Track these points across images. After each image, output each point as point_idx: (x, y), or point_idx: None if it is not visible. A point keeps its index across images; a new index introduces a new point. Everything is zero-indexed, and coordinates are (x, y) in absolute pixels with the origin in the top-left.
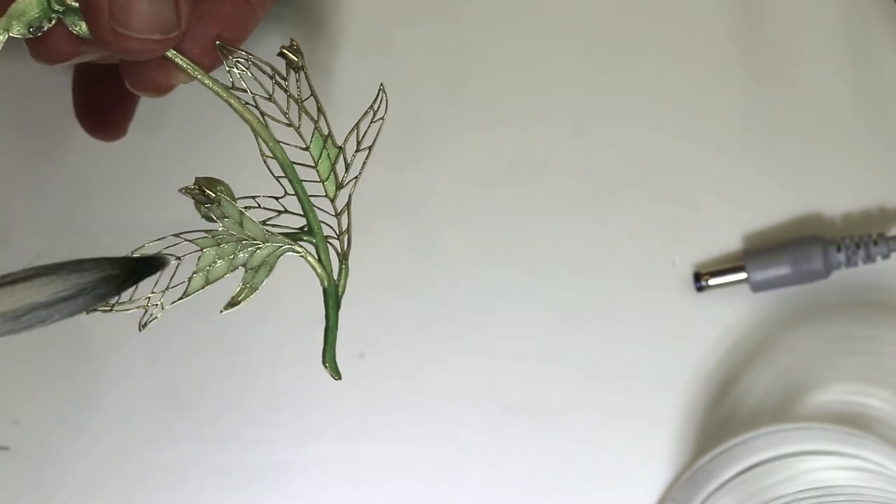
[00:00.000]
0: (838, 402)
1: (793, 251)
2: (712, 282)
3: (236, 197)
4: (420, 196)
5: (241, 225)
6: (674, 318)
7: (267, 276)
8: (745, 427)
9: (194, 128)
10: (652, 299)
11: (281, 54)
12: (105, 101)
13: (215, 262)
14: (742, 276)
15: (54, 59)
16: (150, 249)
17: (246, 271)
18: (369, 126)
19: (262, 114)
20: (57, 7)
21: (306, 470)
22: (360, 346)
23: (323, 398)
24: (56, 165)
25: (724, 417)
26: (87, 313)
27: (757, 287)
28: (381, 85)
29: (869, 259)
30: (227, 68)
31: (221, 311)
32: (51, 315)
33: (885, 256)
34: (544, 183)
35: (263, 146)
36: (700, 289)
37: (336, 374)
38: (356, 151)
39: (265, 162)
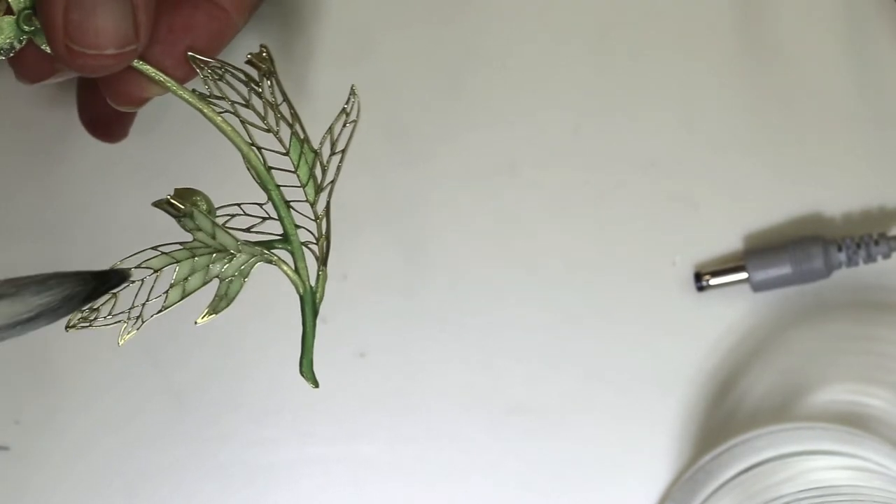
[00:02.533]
0: (838, 402)
1: (793, 251)
2: (713, 282)
3: (221, 205)
4: (420, 196)
5: (213, 236)
6: (674, 318)
7: (241, 286)
8: (745, 427)
9: (194, 130)
10: (652, 299)
11: (249, 62)
12: (107, 104)
13: (191, 275)
14: (743, 275)
15: (35, 77)
16: (129, 263)
17: (220, 282)
18: (342, 128)
19: (242, 121)
20: (26, 27)
21: (306, 470)
22: (360, 347)
23: (323, 398)
24: (57, 164)
25: (725, 417)
26: (66, 330)
27: (758, 287)
28: (353, 87)
29: (870, 259)
30: (202, 78)
31: (196, 323)
32: (10, 334)
33: (886, 256)
34: (544, 183)
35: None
36: (701, 289)
37: (313, 383)
38: (331, 155)
39: (248, 168)
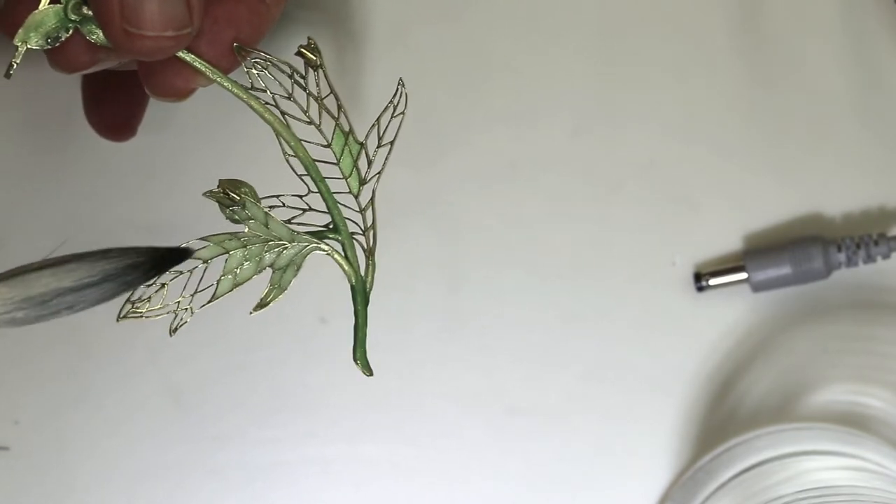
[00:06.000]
0: (838, 402)
1: (793, 251)
2: (713, 282)
3: (260, 197)
4: (420, 197)
5: (266, 226)
6: (674, 318)
7: (294, 275)
8: (745, 427)
9: (204, 127)
10: (652, 299)
11: (299, 53)
12: (114, 102)
13: (242, 264)
14: (742, 276)
15: (73, 68)
16: None
17: (273, 272)
18: (390, 121)
19: (283, 113)
20: (73, 17)
21: (307, 470)
22: None
23: (323, 398)
24: (65, 164)
25: (725, 417)
26: (118, 321)
27: (757, 287)
28: (400, 80)
29: (869, 259)
30: (246, 69)
31: (251, 313)
32: (77, 301)
33: (886, 256)
34: (545, 183)
35: (285, 145)
36: (700, 289)
37: (367, 370)
38: (377, 147)
39: (288, 161)
